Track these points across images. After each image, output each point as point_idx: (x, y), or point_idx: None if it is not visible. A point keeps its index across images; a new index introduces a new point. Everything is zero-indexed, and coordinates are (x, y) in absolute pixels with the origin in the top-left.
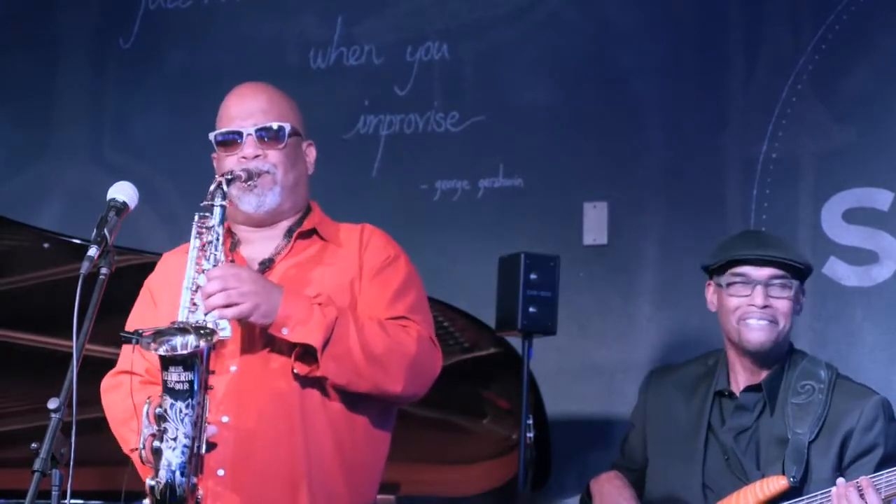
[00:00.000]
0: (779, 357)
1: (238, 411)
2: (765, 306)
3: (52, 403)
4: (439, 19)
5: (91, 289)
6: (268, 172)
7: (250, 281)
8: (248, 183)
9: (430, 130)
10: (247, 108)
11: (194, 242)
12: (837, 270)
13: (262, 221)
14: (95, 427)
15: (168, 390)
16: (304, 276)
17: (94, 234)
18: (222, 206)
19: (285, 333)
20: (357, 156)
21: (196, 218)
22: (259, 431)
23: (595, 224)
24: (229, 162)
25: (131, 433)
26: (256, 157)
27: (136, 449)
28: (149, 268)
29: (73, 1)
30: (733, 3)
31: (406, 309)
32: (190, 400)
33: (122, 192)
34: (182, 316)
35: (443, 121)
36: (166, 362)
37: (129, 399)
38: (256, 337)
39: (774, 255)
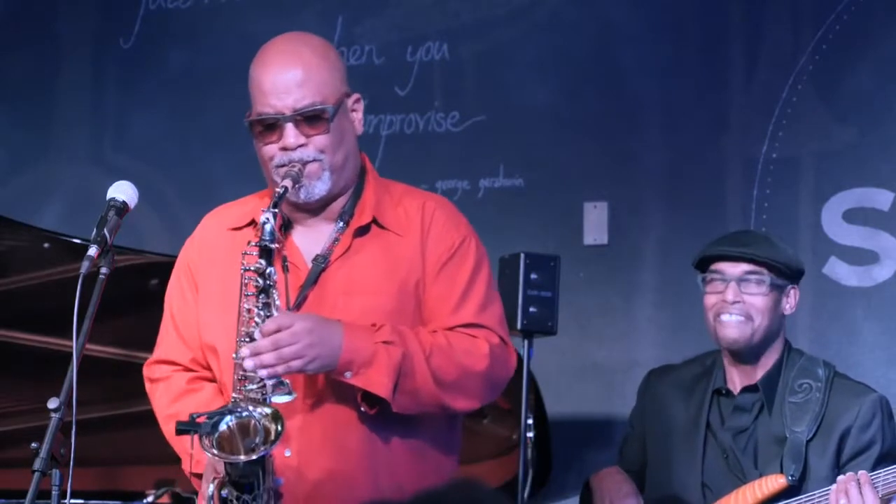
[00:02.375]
0: (767, 356)
1: (300, 445)
2: (735, 301)
3: (52, 403)
4: (439, 19)
5: (91, 289)
6: (314, 160)
7: (304, 333)
8: (297, 185)
9: (431, 130)
10: (282, 83)
11: (243, 289)
12: (837, 270)
13: (314, 208)
14: (96, 427)
15: (233, 483)
16: (364, 279)
17: (94, 233)
18: (273, 248)
19: (348, 377)
20: None
21: (244, 258)
22: (325, 464)
23: (595, 224)
24: (269, 150)
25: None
26: (299, 145)
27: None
28: (148, 268)
29: (74, 1)
30: (734, 3)
31: (474, 312)
32: (257, 490)
33: (122, 191)
34: (236, 377)
35: (443, 121)
36: (229, 463)
37: (181, 402)
38: None
39: (745, 251)
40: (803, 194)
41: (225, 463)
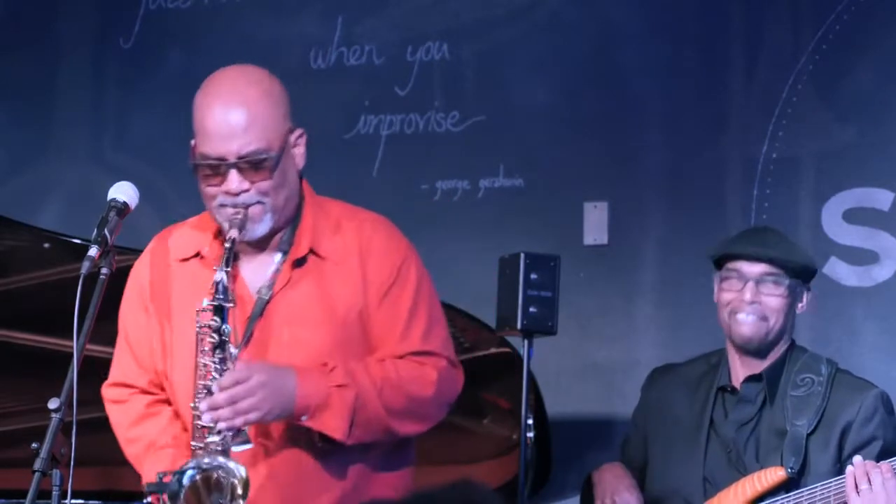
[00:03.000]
0: (774, 352)
1: (251, 476)
2: (753, 301)
3: (53, 403)
4: (440, 19)
5: (91, 289)
6: (257, 203)
7: (260, 387)
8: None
9: (431, 130)
10: (226, 127)
11: (199, 345)
12: (837, 270)
13: (256, 242)
14: (96, 427)
15: None
16: (306, 311)
17: (94, 234)
18: (225, 307)
19: (305, 421)
20: (357, 156)
21: (198, 318)
22: (279, 492)
23: (595, 224)
24: (211, 191)
25: (144, 462)
26: (242, 191)
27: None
28: None
29: (74, 1)
30: (734, 3)
31: (419, 339)
32: None
33: (123, 192)
34: (195, 426)
35: (443, 121)
36: None
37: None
38: None
39: (765, 252)
40: (803, 194)
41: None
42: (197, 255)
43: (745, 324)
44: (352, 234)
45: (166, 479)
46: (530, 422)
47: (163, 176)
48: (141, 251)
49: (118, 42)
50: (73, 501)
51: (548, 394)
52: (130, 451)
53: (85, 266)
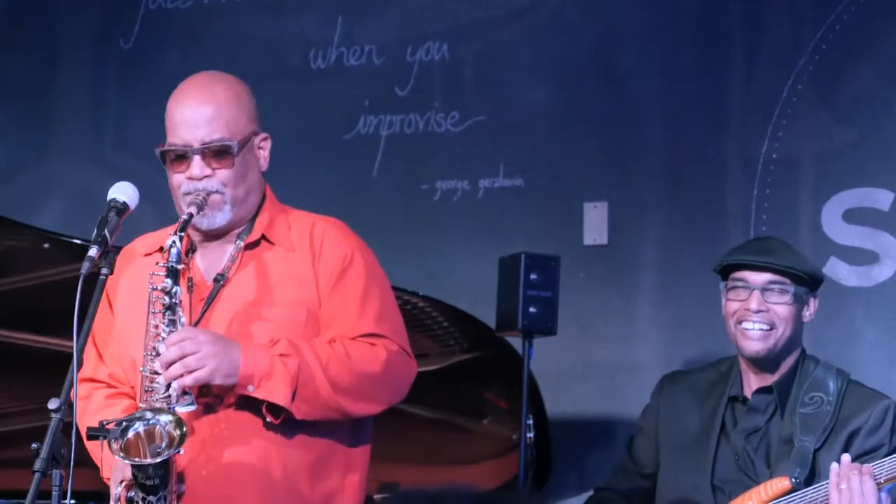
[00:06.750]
0: (785, 363)
1: (198, 447)
2: (759, 310)
3: (53, 403)
4: (439, 19)
5: (91, 289)
6: (217, 192)
7: (207, 343)
8: (200, 213)
9: (431, 130)
10: (193, 118)
11: (150, 307)
12: (837, 270)
13: (214, 234)
14: None
15: (139, 485)
16: (258, 292)
17: (94, 234)
18: (179, 269)
19: (251, 391)
20: (357, 156)
21: (151, 278)
22: (227, 473)
23: (595, 224)
24: (177, 178)
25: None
26: (205, 176)
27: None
28: None
29: (74, 1)
30: (734, 3)
31: (372, 322)
32: (162, 492)
33: (123, 192)
34: (143, 389)
35: (443, 121)
36: (136, 466)
37: (98, 416)
38: None
39: (770, 261)
40: (803, 194)
41: (132, 466)
42: (160, 249)
43: (754, 338)
44: (305, 231)
45: (109, 427)
46: (530, 422)
47: (163, 176)
48: None
49: (118, 42)
50: (72, 502)
51: (548, 394)
52: (90, 443)
53: (85, 266)
